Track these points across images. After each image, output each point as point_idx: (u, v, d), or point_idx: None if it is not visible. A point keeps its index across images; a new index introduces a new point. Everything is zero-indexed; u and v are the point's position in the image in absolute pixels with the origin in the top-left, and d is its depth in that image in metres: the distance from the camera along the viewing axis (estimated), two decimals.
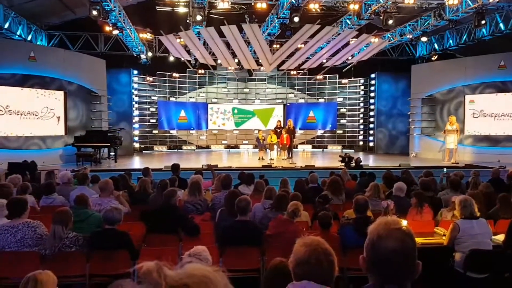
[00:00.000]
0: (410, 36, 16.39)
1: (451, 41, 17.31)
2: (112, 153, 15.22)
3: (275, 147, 16.11)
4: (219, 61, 17.05)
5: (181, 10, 14.37)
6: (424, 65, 18.83)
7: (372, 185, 6.28)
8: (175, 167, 8.64)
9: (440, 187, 7.86)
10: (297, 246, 1.80)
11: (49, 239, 4.16)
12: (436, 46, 18.32)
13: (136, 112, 19.44)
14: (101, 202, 5.60)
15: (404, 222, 1.58)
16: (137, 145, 19.54)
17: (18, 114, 13.56)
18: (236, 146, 21.66)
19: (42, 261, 4.10)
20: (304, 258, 1.72)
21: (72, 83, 15.38)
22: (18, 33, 14.70)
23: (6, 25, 13.76)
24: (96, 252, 4.27)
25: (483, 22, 12.66)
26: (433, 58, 18.33)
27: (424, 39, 16.60)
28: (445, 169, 11.46)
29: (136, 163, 15.69)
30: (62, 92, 14.94)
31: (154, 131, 20.23)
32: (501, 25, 14.44)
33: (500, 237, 4.66)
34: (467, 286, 4.36)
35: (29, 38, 15.63)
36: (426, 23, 14.78)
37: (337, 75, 20.80)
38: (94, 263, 4.24)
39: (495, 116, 15.74)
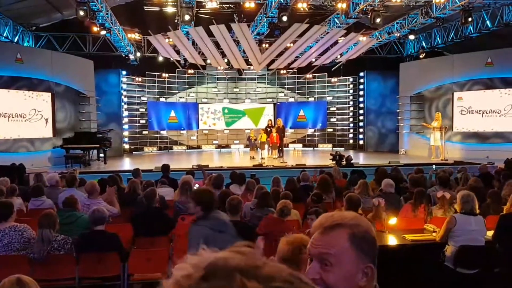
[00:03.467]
0: (398, 34, 16.49)
1: (438, 39, 17.44)
2: (102, 155, 15.10)
3: (266, 146, 16.12)
4: (208, 61, 17.00)
5: (169, 10, 14.30)
6: (412, 63, 18.97)
7: (361, 182, 6.32)
8: (165, 168, 8.62)
9: (429, 183, 7.92)
10: (281, 244, 1.79)
11: (37, 243, 4.11)
12: (423, 44, 18.45)
13: (125, 113, 19.30)
14: (90, 203, 5.55)
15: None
16: (127, 146, 19.41)
17: (5, 117, 13.39)
18: (227, 146, 21.63)
19: (31, 265, 4.05)
20: (287, 256, 1.71)
21: (60, 85, 15.23)
22: (4, 34, 14.50)
23: None
24: (85, 255, 4.22)
25: (470, 19, 12.78)
26: (421, 56, 18.46)
27: (411, 37, 16.73)
28: (434, 166, 11.55)
29: (126, 164, 15.58)
30: (49, 94, 14.79)
31: (144, 132, 20.11)
32: (488, 23, 14.59)
33: (490, 233, 4.70)
34: (457, 282, 4.39)
35: (15, 39, 15.43)
36: (413, 21, 14.88)
37: (326, 74, 20.86)
38: (84, 265, 4.20)
39: (483, 113, 15.91)
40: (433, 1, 12.38)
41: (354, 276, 1.19)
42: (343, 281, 1.17)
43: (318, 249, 1.20)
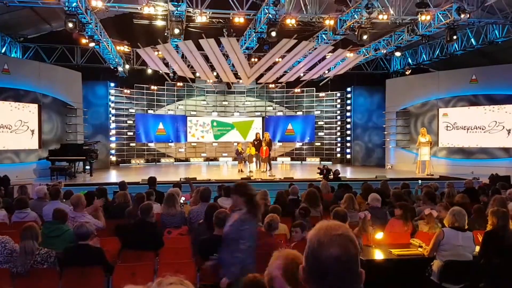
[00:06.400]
0: (384, 51, 16.76)
1: (424, 56, 17.77)
2: (88, 167, 14.94)
3: (254, 159, 16.13)
4: (197, 74, 17.04)
5: (159, 23, 14.35)
6: (398, 79, 19.26)
7: (347, 196, 6.33)
8: (152, 181, 8.54)
9: (415, 198, 7.99)
10: (273, 259, 1.79)
11: (21, 256, 4.04)
12: (409, 60, 18.78)
13: (113, 125, 19.18)
14: (75, 216, 5.47)
15: (345, 226, 1.45)
16: (113, 158, 19.25)
17: None
18: (216, 159, 21.58)
19: (12, 278, 3.97)
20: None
21: (47, 96, 15.11)
22: None
23: None
24: (69, 269, 4.15)
25: (455, 37, 13.05)
26: (407, 72, 18.78)
27: (398, 53, 17.01)
28: (420, 181, 11.66)
29: (113, 176, 15.42)
30: (36, 105, 14.65)
31: (131, 144, 19.98)
32: (473, 40, 14.92)
33: (476, 248, 4.74)
34: None
35: (3, 50, 15.33)
36: (399, 38, 15.15)
37: (314, 89, 21.07)
38: (67, 280, 4.13)
39: (468, 129, 16.17)
40: (419, 19, 12.63)
41: None
42: None
43: None
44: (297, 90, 20.88)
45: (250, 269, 3.45)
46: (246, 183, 4.18)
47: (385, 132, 18.74)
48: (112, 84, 19.01)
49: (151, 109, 20.50)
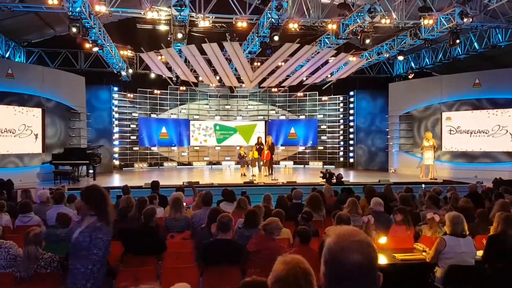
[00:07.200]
0: (387, 55, 16.77)
1: (427, 60, 17.77)
2: (91, 171, 14.97)
3: (257, 163, 16.13)
4: (200, 78, 17.08)
5: (162, 28, 14.41)
6: (401, 83, 19.25)
7: (350, 200, 6.29)
8: (155, 185, 8.54)
9: (418, 203, 7.95)
10: (277, 263, 1.78)
11: (24, 261, 4.04)
12: (412, 64, 18.77)
13: (116, 129, 19.24)
14: (78, 220, 5.47)
15: (362, 232, 1.51)
16: (117, 162, 19.28)
17: None
18: (218, 163, 21.59)
19: (16, 283, 3.97)
20: (282, 276, 1.70)
21: (50, 100, 15.18)
22: None
23: None
24: None
25: (458, 41, 13.04)
26: (409, 76, 18.77)
27: (400, 57, 17.02)
28: (423, 185, 11.63)
29: (116, 180, 15.45)
30: (40, 109, 14.72)
31: (134, 148, 20.02)
32: (476, 44, 14.91)
33: (479, 253, 4.72)
34: None
35: (7, 55, 15.42)
36: (402, 42, 15.16)
37: (317, 93, 21.08)
38: None
39: (471, 133, 16.13)
40: (422, 23, 12.64)
41: None
42: None
43: None
44: (299, 94, 20.90)
45: (99, 284, 3.28)
46: (96, 187, 3.58)
47: (388, 136, 18.71)
48: (116, 88, 19.08)
49: (154, 113, 20.56)
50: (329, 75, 17.22)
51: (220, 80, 17.11)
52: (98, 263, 3.25)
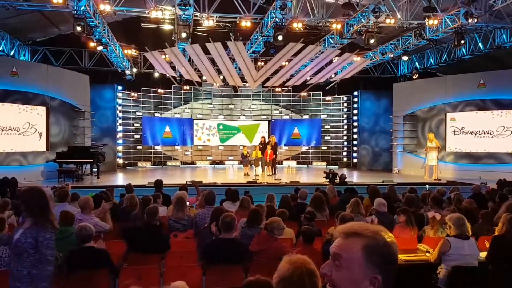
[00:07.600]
0: (392, 55, 16.73)
1: (431, 60, 17.71)
2: (95, 169, 15.02)
3: (260, 163, 16.13)
4: (204, 77, 17.10)
5: (166, 27, 14.43)
6: (405, 83, 19.20)
7: (353, 201, 6.28)
8: (158, 184, 8.56)
9: (421, 202, 7.92)
10: (283, 262, 1.78)
11: None
12: (417, 64, 18.71)
13: (120, 128, 19.29)
14: (82, 218, 5.50)
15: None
16: (120, 161, 19.33)
17: None
18: (221, 162, 21.60)
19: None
20: (286, 275, 1.70)
21: (54, 99, 15.23)
22: (0, 48, 14.55)
23: None
24: (75, 272, 4.16)
25: (462, 42, 12.99)
26: (414, 77, 18.71)
27: (405, 58, 16.96)
28: (427, 186, 11.59)
29: (119, 179, 15.49)
30: (44, 108, 14.77)
31: (138, 147, 20.07)
32: (480, 45, 14.85)
33: (483, 254, 4.70)
34: None
35: (11, 53, 15.48)
36: (407, 43, 15.11)
37: (321, 92, 21.05)
38: (73, 282, 4.14)
39: (476, 134, 16.06)
40: (426, 23, 12.60)
41: (361, 282, 1.34)
42: (349, 283, 1.35)
43: (334, 249, 1.40)
44: (303, 93, 20.86)
45: (44, 284, 3.24)
46: (36, 189, 3.51)
47: (392, 137, 18.66)
48: (120, 87, 19.13)
49: (158, 112, 20.60)
50: (333, 75, 17.18)
51: (224, 80, 17.12)
52: (46, 263, 3.24)
